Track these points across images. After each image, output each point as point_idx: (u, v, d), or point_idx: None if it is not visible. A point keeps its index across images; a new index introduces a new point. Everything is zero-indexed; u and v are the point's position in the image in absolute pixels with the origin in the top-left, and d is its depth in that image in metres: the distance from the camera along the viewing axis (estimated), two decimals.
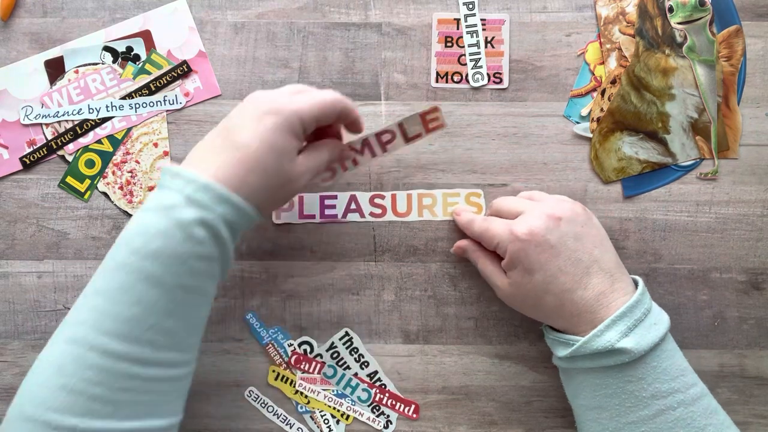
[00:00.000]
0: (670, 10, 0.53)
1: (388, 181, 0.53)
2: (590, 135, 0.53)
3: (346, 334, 0.53)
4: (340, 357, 0.53)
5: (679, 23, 0.53)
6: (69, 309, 0.53)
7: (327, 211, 0.53)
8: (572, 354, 0.43)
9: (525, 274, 0.45)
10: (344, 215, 0.53)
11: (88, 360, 0.36)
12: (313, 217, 0.53)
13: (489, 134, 0.53)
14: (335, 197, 0.53)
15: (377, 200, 0.53)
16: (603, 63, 0.53)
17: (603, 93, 0.53)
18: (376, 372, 0.53)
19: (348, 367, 0.53)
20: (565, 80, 0.54)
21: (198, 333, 0.42)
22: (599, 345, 0.41)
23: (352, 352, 0.53)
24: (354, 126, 0.47)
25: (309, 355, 0.53)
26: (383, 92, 0.54)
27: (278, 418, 0.52)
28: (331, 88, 0.53)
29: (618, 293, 0.43)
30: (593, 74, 0.54)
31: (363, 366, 0.53)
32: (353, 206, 0.53)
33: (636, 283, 0.45)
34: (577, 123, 0.53)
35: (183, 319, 0.40)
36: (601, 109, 0.53)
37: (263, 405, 0.52)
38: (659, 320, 0.43)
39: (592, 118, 0.53)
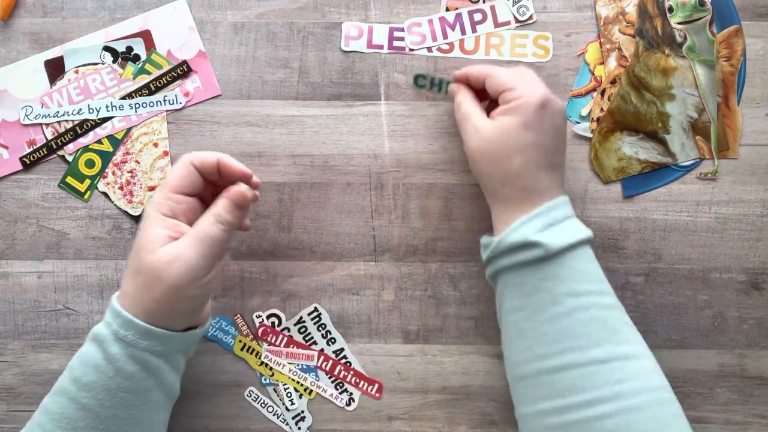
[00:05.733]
0: (670, 10, 0.53)
1: (388, 180, 0.53)
2: (590, 135, 0.53)
3: (315, 309, 0.53)
4: (307, 332, 0.53)
5: (679, 23, 0.53)
6: (69, 309, 0.53)
7: (395, 43, 0.53)
8: (492, 253, 0.44)
9: (519, 126, 0.44)
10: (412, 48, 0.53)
11: None
12: (381, 47, 0.53)
13: None
14: (402, 30, 0.53)
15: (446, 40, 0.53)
16: (603, 63, 0.53)
17: (603, 93, 0.53)
18: (342, 349, 0.52)
19: (315, 343, 0.53)
20: (565, 80, 0.54)
21: None
22: (514, 238, 0.42)
23: (320, 328, 0.53)
24: (238, 175, 0.45)
25: (276, 327, 0.53)
26: (383, 92, 0.54)
27: (278, 418, 0.52)
28: (331, 89, 0.54)
29: (560, 196, 0.44)
30: (593, 74, 0.53)
31: (330, 342, 0.53)
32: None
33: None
34: (577, 123, 0.53)
35: None
36: (601, 109, 0.53)
37: (263, 405, 0.52)
38: (580, 230, 0.43)
39: (592, 118, 0.53)
